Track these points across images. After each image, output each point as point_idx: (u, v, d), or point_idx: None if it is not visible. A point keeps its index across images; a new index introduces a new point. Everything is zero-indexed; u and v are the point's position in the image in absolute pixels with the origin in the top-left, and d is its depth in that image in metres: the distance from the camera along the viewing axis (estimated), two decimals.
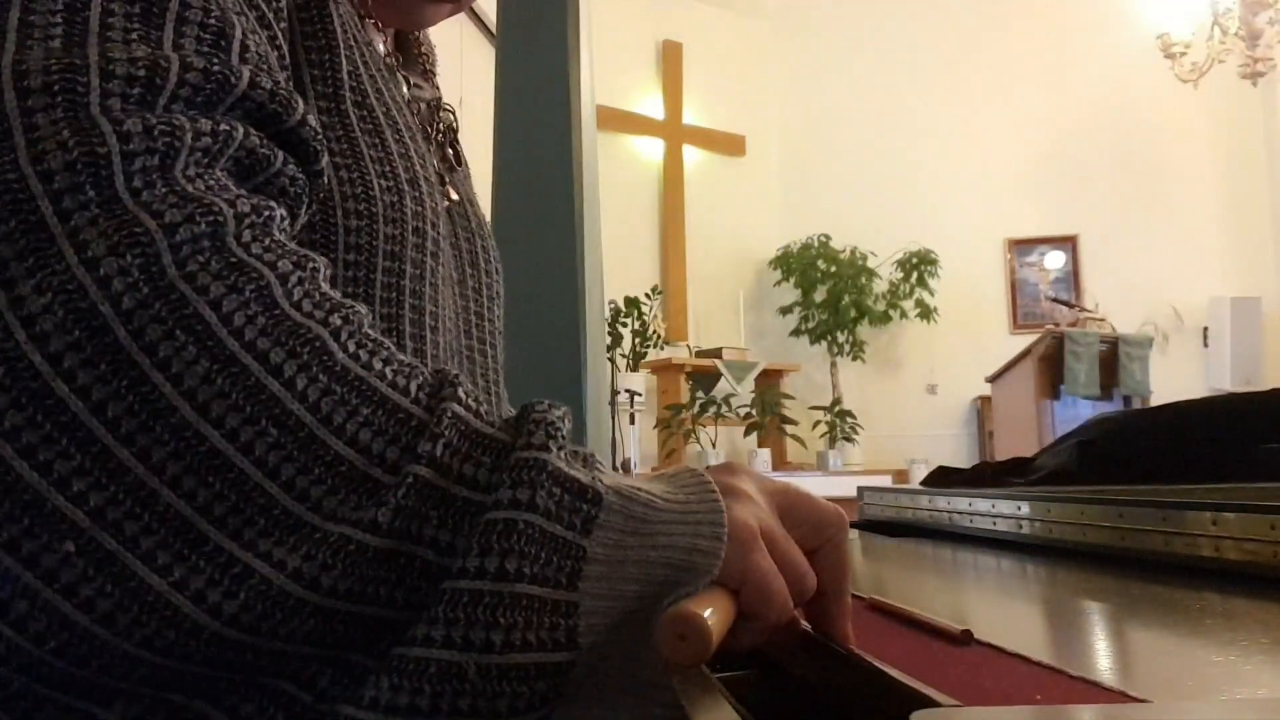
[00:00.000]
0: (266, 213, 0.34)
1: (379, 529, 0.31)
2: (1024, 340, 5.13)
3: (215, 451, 0.30)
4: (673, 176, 6.35)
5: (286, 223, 0.36)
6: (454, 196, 0.61)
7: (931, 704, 0.28)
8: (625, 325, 5.56)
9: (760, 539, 0.35)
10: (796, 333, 6.32)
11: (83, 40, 0.33)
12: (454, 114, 0.66)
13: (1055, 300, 5.66)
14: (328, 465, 0.31)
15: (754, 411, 5.76)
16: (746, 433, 5.80)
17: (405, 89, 0.58)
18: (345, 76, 0.49)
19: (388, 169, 0.50)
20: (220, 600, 0.29)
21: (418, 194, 0.51)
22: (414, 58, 0.65)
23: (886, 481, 4.92)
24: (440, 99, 0.65)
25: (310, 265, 0.34)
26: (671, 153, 6.35)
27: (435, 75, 0.66)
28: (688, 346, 5.96)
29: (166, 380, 0.30)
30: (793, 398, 5.97)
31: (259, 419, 0.30)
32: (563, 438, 0.34)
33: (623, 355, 5.52)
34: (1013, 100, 6.37)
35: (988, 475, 1.09)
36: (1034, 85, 6.34)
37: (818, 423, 6.12)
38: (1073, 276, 6.35)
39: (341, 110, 0.49)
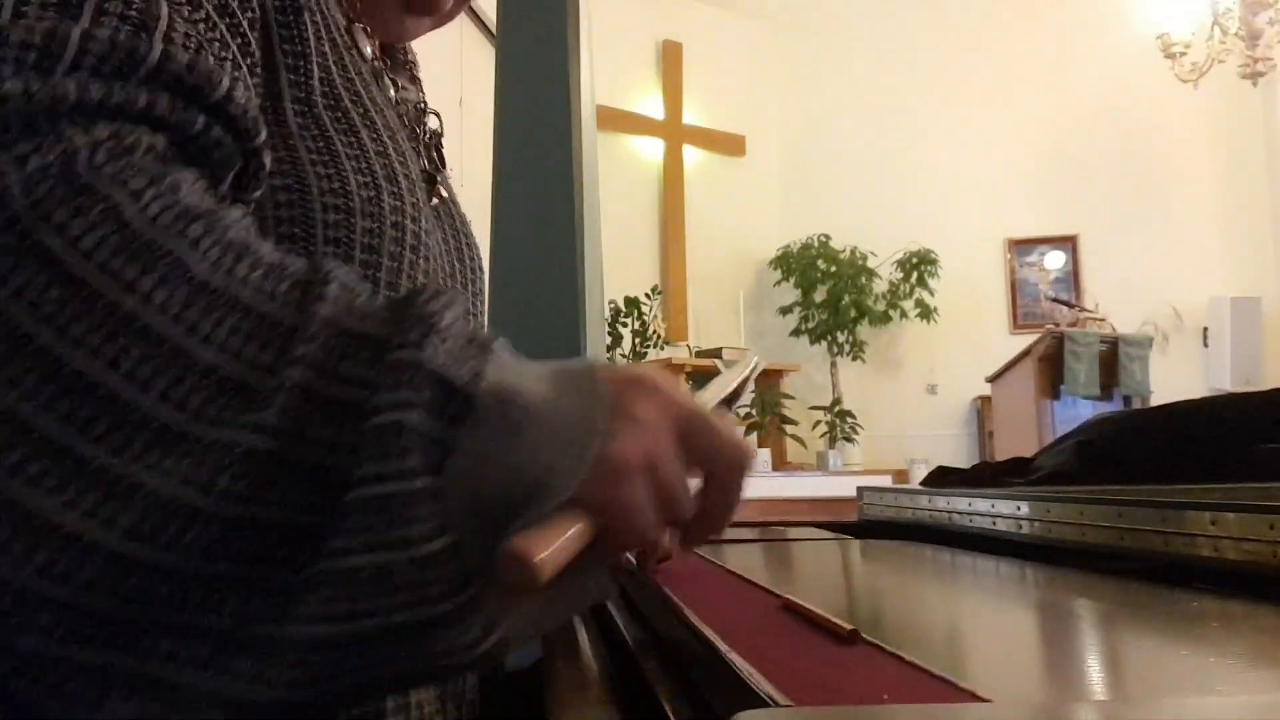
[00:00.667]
0: (130, 139, 0.34)
1: (265, 430, 0.31)
2: (1024, 340, 5.13)
3: (81, 373, 0.30)
4: (673, 176, 6.34)
5: (173, 163, 0.36)
6: (443, 194, 0.62)
7: (761, 703, 0.28)
8: (625, 325, 5.56)
9: (635, 470, 0.34)
10: (796, 333, 6.32)
11: None
12: (439, 117, 0.68)
13: (1055, 300, 5.65)
14: (201, 374, 0.31)
15: (754, 411, 5.75)
16: (746, 433, 5.80)
17: (392, 91, 0.60)
18: (317, 81, 0.50)
19: (364, 165, 0.50)
20: (114, 515, 0.29)
21: (396, 189, 0.52)
22: (400, 63, 0.67)
23: (886, 481, 4.91)
24: (425, 103, 0.67)
25: (169, 180, 0.34)
26: (671, 153, 6.35)
27: (419, 80, 0.68)
28: (688, 346, 5.96)
29: (23, 309, 0.30)
30: (793, 398, 5.97)
31: (118, 336, 0.30)
32: (444, 329, 0.34)
33: (623, 355, 5.52)
34: (1013, 100, 6.37)
35: (987, 475, 1.09)
36: (1034, 85, 6.33)
37: (818, 423, 6.12)
38: (1073, 276, 6.35)
39: (314, 111, 0.50)
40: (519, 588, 0.31)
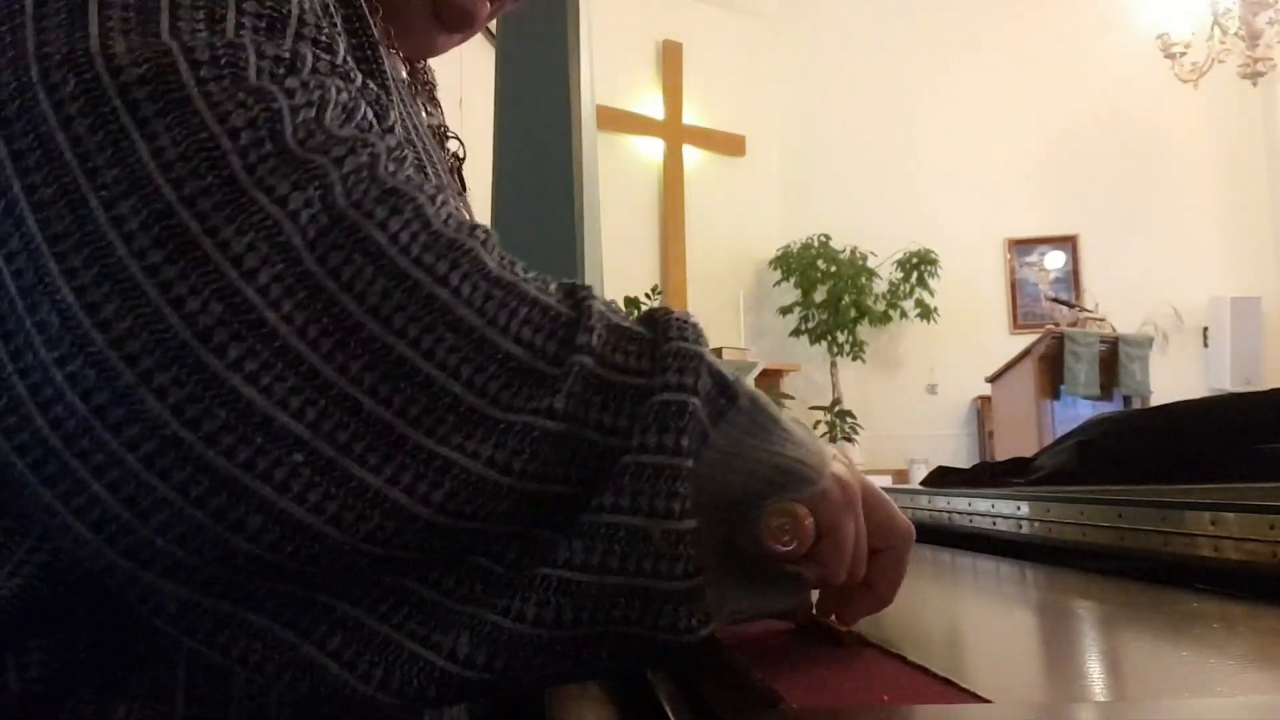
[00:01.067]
0: (399, 151, 0.38)
1: (555, 415, 0.34)
2: (1024, 340, 5.13)
3: (403, 359, 0.33)
4: (673, 176, 6.35)
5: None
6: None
7: (762, 704, 0.28)
8: None
9: (854, 503, 0.38)
10: (796, 333, 6.32)
11: (222, 29, 0.37)
12: (460, 141, 0.67)
13: (1055, 300, 5.66)
14: (500, 362, 0.34)
15: None
16: None
17: (423, 114, 0.60)
18: (395, 115, 0.51)
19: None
20: (428, 491, 0.33)
21: None
22: (422, 84, 0.66)
23: (886, 481, 4.92)
24: (445, 126, 0.66)
25: (442, 193, 0.38)
26: (671, 153, 6.35)
27: (439, 101, 0.67)
28: None
29: (352, 299, 0.33)
30: (793, 398, 5.97)
31: (436, 326, 0.34)
32: (700, 337, 0.38)
33: None
34: (1013, 100, 6.37)
35: (987, 475, 1.09)
36: (1034, 85, 6.34)
37: (818, 423, 6.12)
38: (1072, 276, 6.35)
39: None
40: (784, 544, 0.35)
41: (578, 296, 0.37)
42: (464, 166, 0.67)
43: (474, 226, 0.37)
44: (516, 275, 0.36)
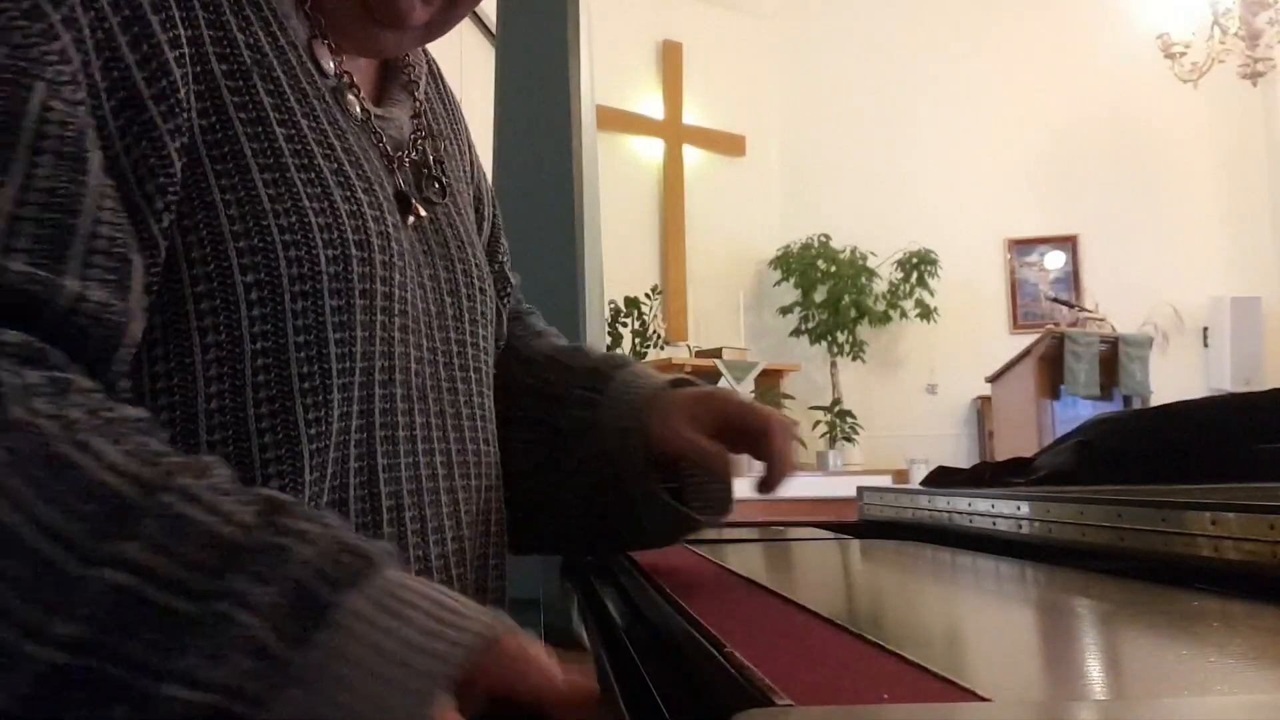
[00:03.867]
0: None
1: (68, 647, 0.32)
2: (1024, 340, 5.13)
3: None
4: (673, 176, 6.34)
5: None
6: (421, 213, 0.59)
7: (761, 702, 0.28)
8: (625, 325, 5.56)
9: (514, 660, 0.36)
10: (796, 333, 6.32)
11: None
12: (432, 134, 0.64)
13: (1055, 300, 5.65)
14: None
15: None
16: None
17: (357, 109, 0.57)
18: (270, 111, 0.50)
19: (322, 193, 0.50)
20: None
21: (357, 214, 0.51)
22: (395, 73, 0.64)
23: (886, 481, 4.91)
24: (421, 117, 0.63)
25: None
26: (671, 153, 6.35)
27: (418, 94, 0.64)
28: (688, 346, 5.96)
29: None
30: (793, 398, 5.97)
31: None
32: (312, 536, 0.36)
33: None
34: (1013, 100, 6.37)
35: (987, 475, 1.09)
36: (1034, 85, 6.33)
37: (818, 423, 6.12)
38: (1073, 276, 6.35)
39: (274, 146, 0.49)
40: None
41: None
42: (444, 165, 0.64)
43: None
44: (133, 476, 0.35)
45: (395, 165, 0.59)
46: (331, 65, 0.56)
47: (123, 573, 0.32)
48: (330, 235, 0.49)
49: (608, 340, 5.38)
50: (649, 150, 6.31)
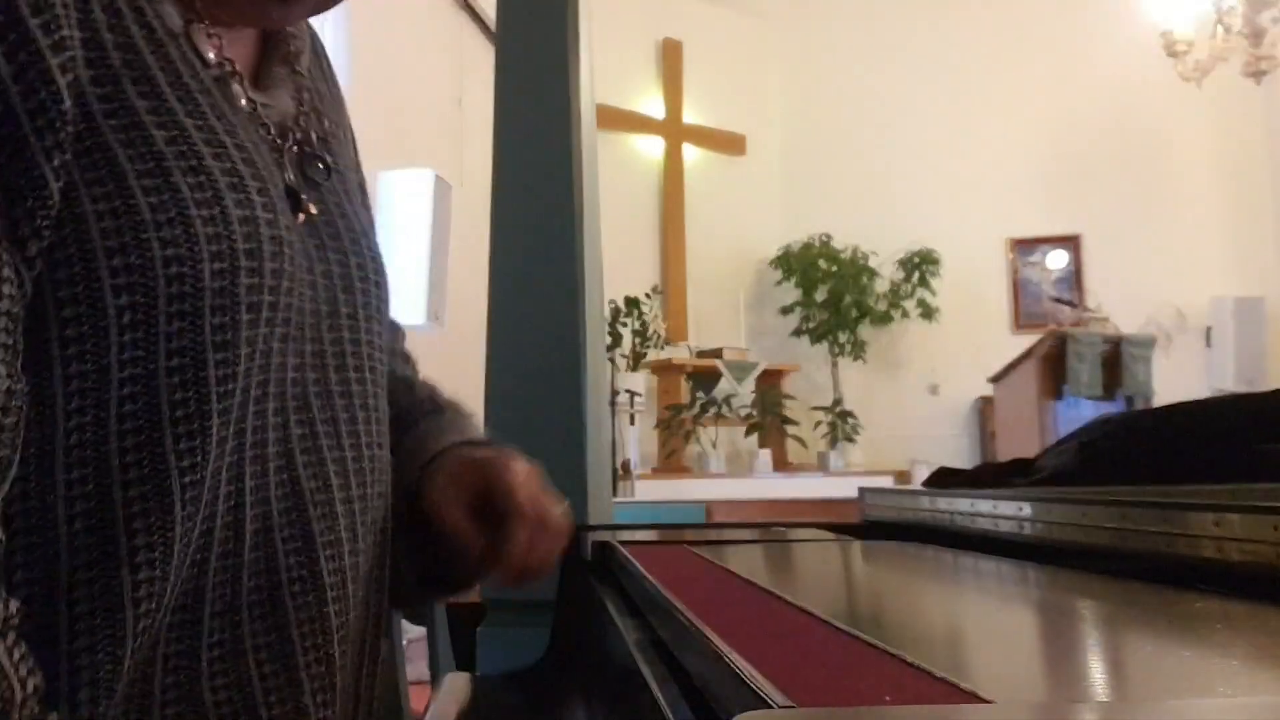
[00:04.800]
0: None
1: None
2: (1026, 340, 5.12)
3: None
4: (673, 176, 6.34)
5: None
6: (312, 210, 0.55)
7: (761, 704, 0.28)
8: (625, 325, 5.56)
9: None
10: (797, 333, 6.32)
11: None
12: (318, 117, 0.60)
13: (1058, 300, 5.65)
14: None
15: (754, 412, 5.75)
16: (747, 433, 5.80)
17: (243, 100, 0.53)
18: (142, 110, 0.46)
19: (209, 194, 0.46)
20: None
21: (249, 218, 0.48)
22: (276, 46, 0.59)
23: (888, 482, 4.91)
24: (301, 93, 0.59)
25: None
26: (671, 152, 6.35)
27: (300, 68, 0.59)
28: (688, 347, 5.96)
29: None
30: (793, 398, 5.97)
31: None
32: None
33: (623, 355, 5.52)
34: (1015, 99, 6.36)
35: (989, 476, 1.09)
36: (1036, 84, 6.33)
37: (819, 423, 6.12)
38: (1075, 276, 6.34)
39: (151, 145, 0.45)
40: None
41: None
42: (326, 146, 0.59)
43: None
44: None
45: (283, 155, 0.55)
46: (212, 53, 0.52)
47: None
48: (219, 246, 0.46)
49: (608, 340, 5.38)
50: (649, 150, 6.31)
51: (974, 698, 0.29)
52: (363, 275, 0.58)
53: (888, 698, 0.30)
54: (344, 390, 0.55)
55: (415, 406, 0.66)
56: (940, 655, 0.38)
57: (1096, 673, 0.38)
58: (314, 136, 0.58)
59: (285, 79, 0.58)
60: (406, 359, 0.73)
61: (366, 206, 0.67)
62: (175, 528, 0.44)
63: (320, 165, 0.57)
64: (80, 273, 0.43)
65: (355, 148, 0.69)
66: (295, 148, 0.56)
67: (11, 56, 0.41)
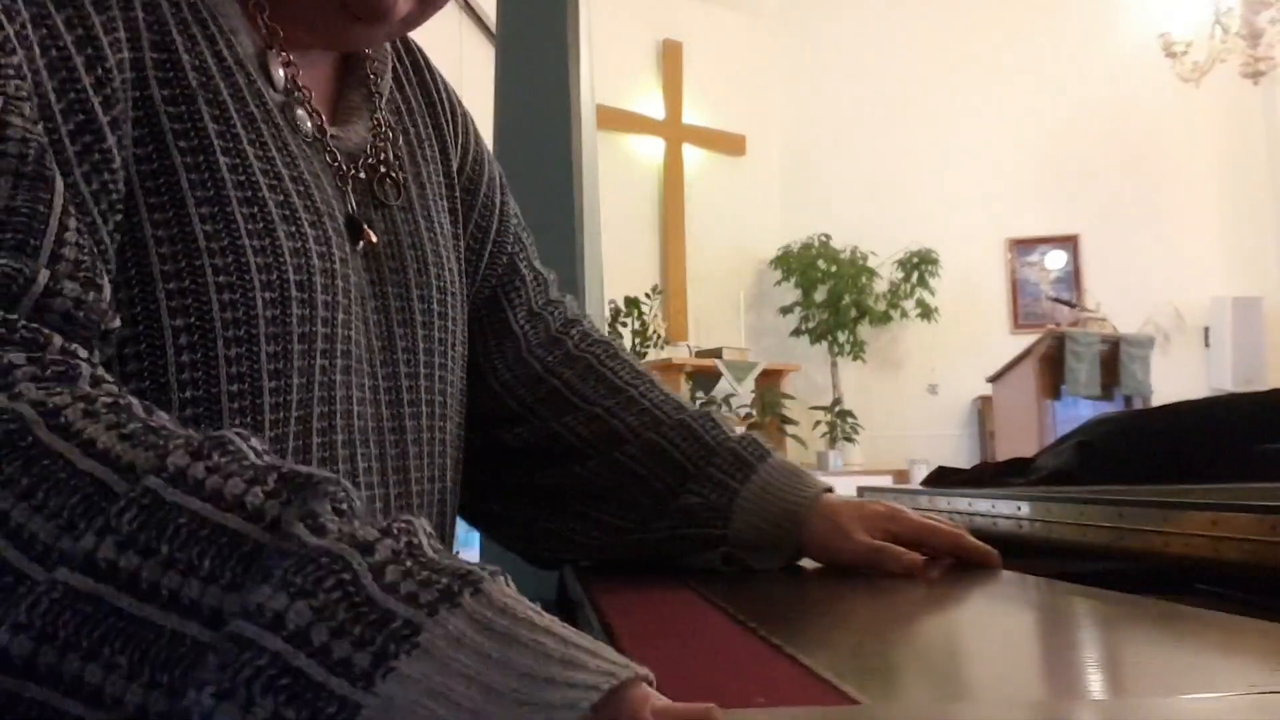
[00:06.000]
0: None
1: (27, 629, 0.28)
2: (1025, 340, 5.13)
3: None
4: (673, 176, 6.35)
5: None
6: (373, 239, 0.55)
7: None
8: (625, 325, 5.56)
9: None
10: (797, 333, 6.32)
11: None
12: (394, 136, 0.60)
13: (1056, 300, 5.66)
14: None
15: (754, 411, 5.75)
16: None
17: (308, 123, 0.53)
18: (214, 137, 0.47)
19: (264, 231, 0.47)
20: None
21: (301, 252, 0.48)
22: (355, 67, 0.59)
23: (887, 482, 4.91)
24: (378, 113, 0.59)
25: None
26: (671, 152, 6.35)
27: (378, 89, 0.60)
28: (688, 346, 5.96)
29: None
30: (793, 398, 5.97)
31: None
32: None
33: None
34: (1014, 99, 6.37)
35: (988, 475, 1.09)
36: (1035, 84, 6.33)
37: (818, 423, 6.12)
38: (1073, 276, 6.35)
39: (217, 179, 0.46)
40: None
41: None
42: (402, 169, 0.60)
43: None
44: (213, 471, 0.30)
45: (347, 182, 0.55)
46: (282, 76, 0.52)
47: (79, 574, 0.27)
48: (269, 276, 0.46)
49: None
50: (649, 150, 6.31)
51: (846, 699, 0.29)
52: (425, 308, 0.58)
53: (761, 699, 0.30)
54: (396, 427, 0.56)
55: (744, 446, 0.67)
56: (839, 658, 0.38)
57: (978, 673, 0.38)
58: (390, 154, 0.59)
59: (361, 103, 0.59)
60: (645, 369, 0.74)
61: (482, 210, 0.67)
62: None
63: (390, 181, 0.58)
64: (139, 294, 0.43)
65: (478, 151, 0.69)
66: (364, 173, 0.56)
67: (90, 69, 0.42)
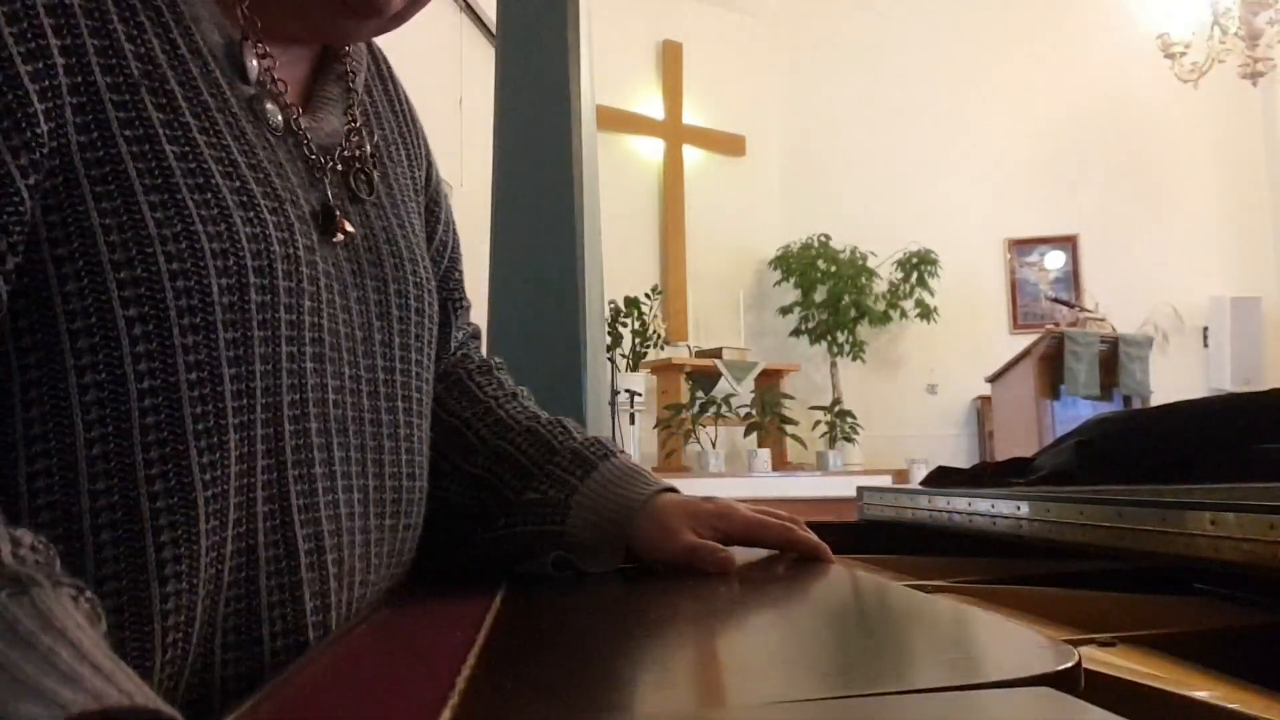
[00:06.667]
0: None
1: None
2: (1024, 340, 5.13)
3: None
4: (673, 176, 6.35)
5: None
6: (348, 229, 0.54)
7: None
8: (625, 325, 5.56)
9: None
10: (796, 333, 6.32)
11: None
12: (368, 133, 0.60)
13: (1055, 300, 5.66)
14: None
15: (754, 411, 5.75)
16: (746, 433, 5.80)
17: (279, 116, 0.53)
18: (159, 126, 0.46)
19: (219, 216, 0.46)
20: None
21: (260, 238, 0.47)
22: (331, 64, 0.59)
23: (886, 481, 4.91)
24: (353, 109, 0.59)
25: None
26: (671, 153, 6.35)
27: (354, 85, 0.60)
28: (688, 346, 5.96)
29: None
30: (792, 398, 5.97)
31: None
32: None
33: (623, 355, 5.52)
34: (1013, 100, 6.37)
35: (987, 475, 1.09)
36: (1034, 85, 6.34)
37: (818, 423, 6.12)
38: (1073, 276, 6.35)
39: (163, 163, 0.45)
40: None
41: None
42: (372, 164, 0.59)
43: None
44: None
45: (323, 174, 0.55)
46: (256, 67, 0.52)
47: None
48: (225, 262, 0.45)
49: (608, 340, 5.39)
50: (649, 150, 6.31)
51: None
52: (402, 302, 0.58)
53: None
54: (375, 419, 0.55)
55: (588, 446, 0.67)
56: (503, 675, 0.36)
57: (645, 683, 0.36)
58: (363, 151, 0.58)
59: (337, 98, 0.59)
60: (529, 395, 0.74)
61: (439, 234, 0.69)
62: (200, 541, 0.44)
63: (364, 179, 0.58)
64: (89, 285, 0.42)
65: (432, 170, 0.70)
66: (339, 165, 0.56)
67: None
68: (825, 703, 0.28)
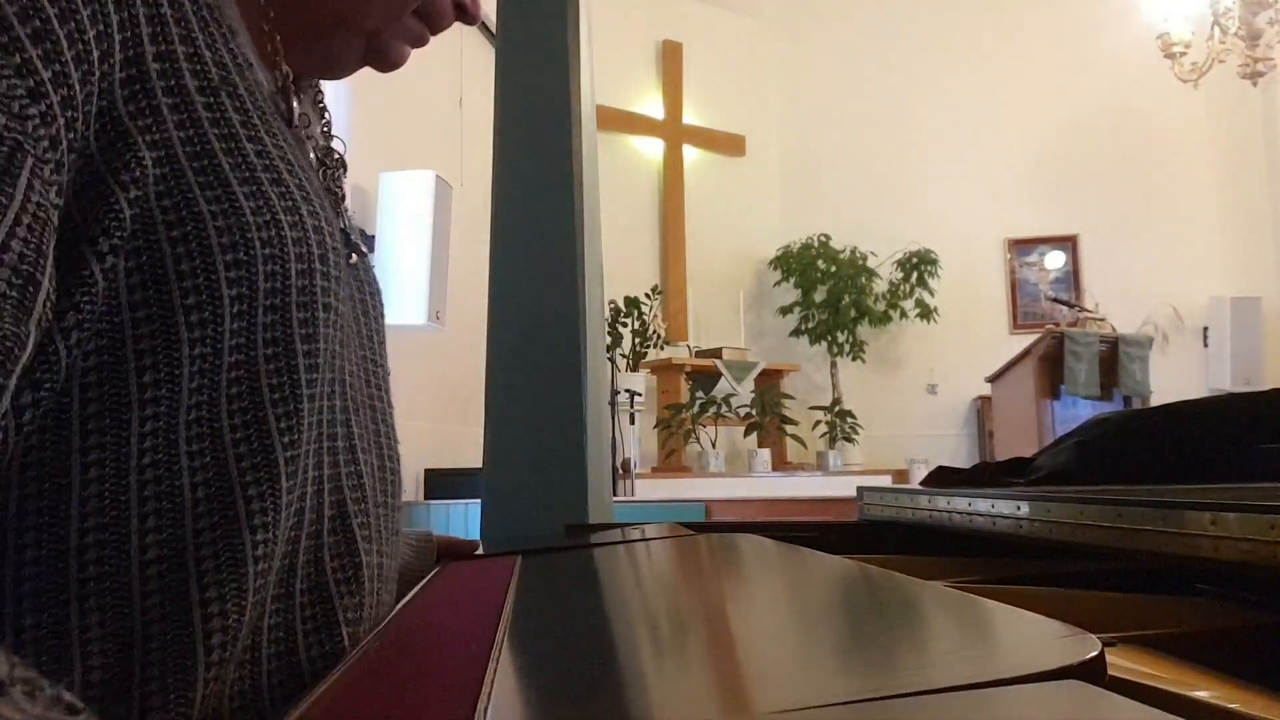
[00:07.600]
0: None
1: None
2: (1024, 340, 5.13)
3: None
4: (673, 176, 6.35)
5: None
6: (350, 222, 0.61)
7: None
8: (625, 325, 5.56)
9: None
10: (796, 333, 6.33)
11: None
12: (340, 144, 0.66)
13: (1055, 300, 5.66)
14: None
15: (754, 411, 5.76)
16: (746, 433, 5.80)
17: (311, 154, 0.59)
18: (209, 126, 0.49)
19: (266, 211, 0.49)
20: None
21: (302, 236, 0.51)
22: (311, 97, 0.65)
23: (886, 481, 4.91)
24: (328, 133, 0.65)
25: None
26: (671, 152, 6.35)
27: (321, 100, 0.66)
28: (688, 346, 5.96)
29: None
30: (793, 398, 5.97)
31: None
32: None
33: (623, 355, 5.52)
34: (1013, 100, 6.37)
35: (987, 475, 1.09)
36: (1034, 85, 6.34)
37: (818, 423, 6.12)
38: (1073, 276, 6.35)
39: (214, 162, 0.48)
40: None
41: None
42: (347, 171, 0.67)
43: None
44: None
45: (324, 175, 0.61)
46: (297, 107, 0.57)
47: None
48: (301, 249, 0.50)
49: (608, 340, 5.39)
50: (649, 150, 6.32)
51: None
52: (375, 301, 0.64)
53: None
54: (370, 405, 0.60)
55: None
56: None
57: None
58: (332, 160, 0.64)
59: (313, 114, 0.64)
60: None
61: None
62: (281, 496, 0.49)
63: (340, 180, 0.63)
64: (200, 265, 0.46)
65: None
66: (327, 169, 0.62)
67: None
68: (854, 706, 0.27)
